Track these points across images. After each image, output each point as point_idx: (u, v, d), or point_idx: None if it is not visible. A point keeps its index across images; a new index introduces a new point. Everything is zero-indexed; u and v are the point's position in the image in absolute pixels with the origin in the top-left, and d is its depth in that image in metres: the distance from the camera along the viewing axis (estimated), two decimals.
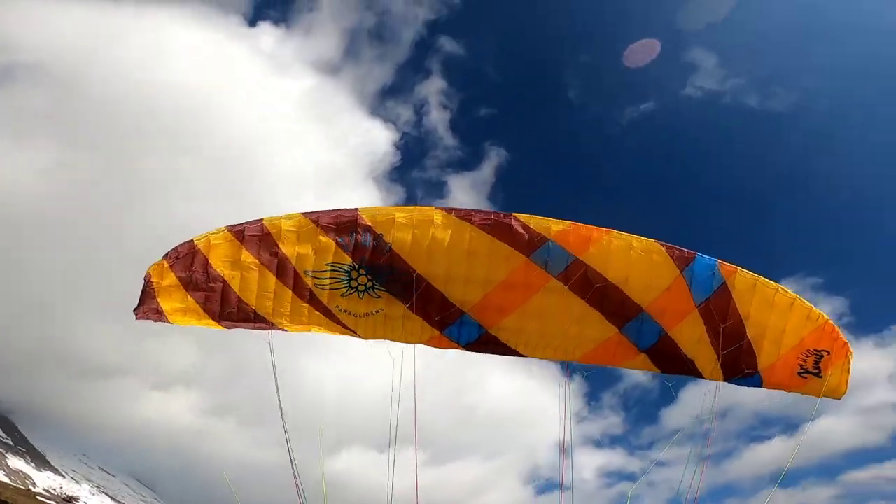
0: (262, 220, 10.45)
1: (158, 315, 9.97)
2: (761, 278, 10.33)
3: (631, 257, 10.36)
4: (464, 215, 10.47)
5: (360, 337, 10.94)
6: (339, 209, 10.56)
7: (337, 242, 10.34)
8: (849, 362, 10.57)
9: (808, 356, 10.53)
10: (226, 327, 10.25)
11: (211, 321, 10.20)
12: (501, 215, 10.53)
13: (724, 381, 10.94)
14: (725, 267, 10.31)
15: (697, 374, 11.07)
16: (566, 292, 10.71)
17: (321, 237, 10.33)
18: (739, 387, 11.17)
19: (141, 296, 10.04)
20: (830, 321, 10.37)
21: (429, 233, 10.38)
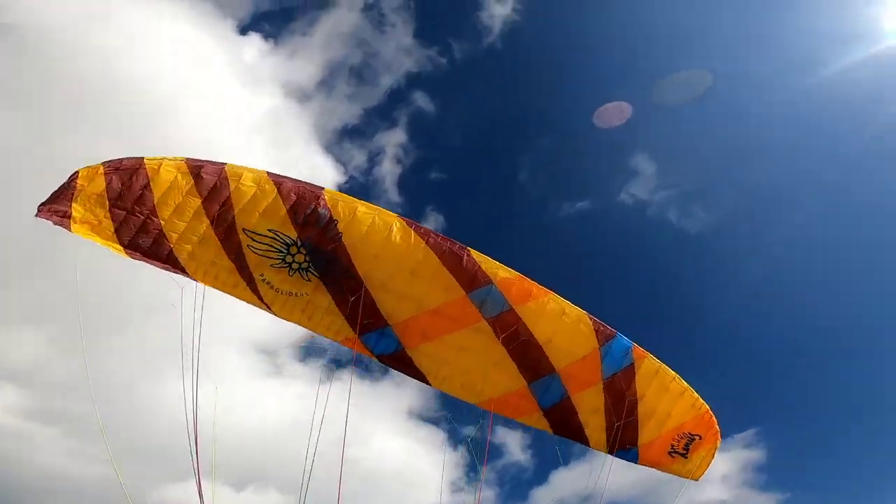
0: (225, 164, 9.67)
1: (62, 218, 8.80)
2: (664, 366, 11.35)
3: (561, 322, 10.89)
4: (422, 233, 10.40)
5: (272, 313, 10.35)
6: (305, 182, 10.02)
7: (289, 212, 9.76)
8: (715, 449, 11.83)
9: (681, 438, 11.65)
10: (130, 256, 9.23)
11: (117, 245, 9.15)
12: (457, 246, 10.59)
13: (606, 452, 11.74)
14: (638, 350, 11.19)
15: (584, 441, 11.77)
16: (491, 337, 10.95)
17: (276, 201, 9.71)
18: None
19: (56, 192, 8.87)
20: (710, 412, 11.61)
21: (382, 237, 10.18)
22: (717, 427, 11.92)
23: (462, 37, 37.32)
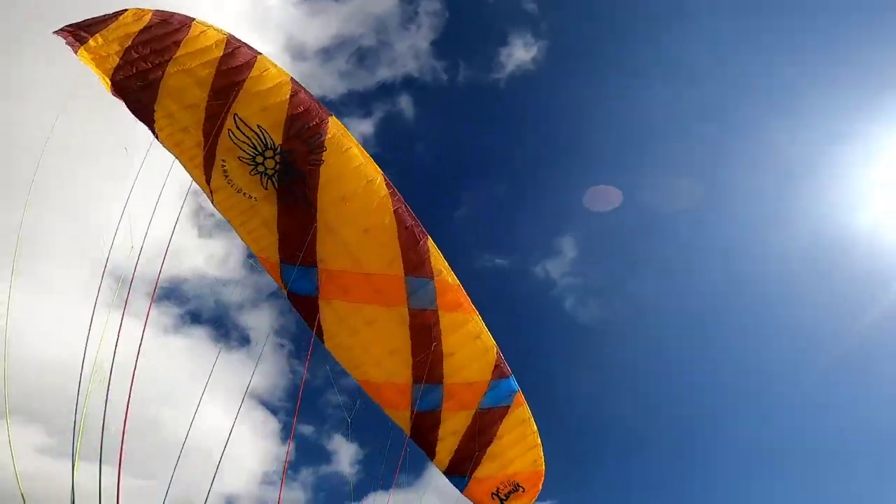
0: (259, 55, 9.53)
1: (75, 41, 8.73)
2: (532, 419, 12.11)
3: (472, 343, 11.19)
4: (395, 199, 10.29)
5: (211, 200, 9.82)
6: (320, 104, 9.77)
7: (288, 118, 9.45)
8: (531, 500, 12.76)
9: (509, 485, 12.44)
10: (112, 92, 9.01)
11: (105, 77, 8.94)
12: (420, 228, 10.51)
13: (443, 471, 12.16)
14: (519, 397, 11.84)
15: (430, 455, 12.09)
16: (404, 326, 10.93)
17: (282, 105, 9.49)
18: None
19: (91, 20, 8.92)
20: (544, 473, 12.54)
21: (359, 184, 9.98)
22: (540, 487, 12.93)
23: (473, 63, 37.33)
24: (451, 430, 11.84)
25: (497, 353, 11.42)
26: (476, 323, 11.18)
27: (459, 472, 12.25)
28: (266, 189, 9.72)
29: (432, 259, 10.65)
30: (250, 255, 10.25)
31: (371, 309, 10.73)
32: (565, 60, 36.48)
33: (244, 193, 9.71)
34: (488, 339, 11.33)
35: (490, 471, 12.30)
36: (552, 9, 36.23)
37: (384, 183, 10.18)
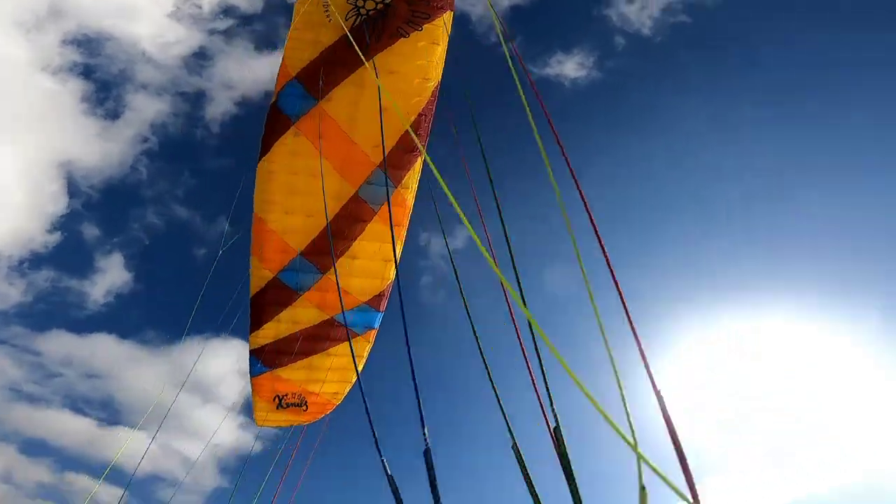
0: None
1: None
2: (364, 359, 12.03)
3: (378, 264, 11.17)
4: (428, 109, 10.35)
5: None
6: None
7: None
8: (301, 422, 12.37)
9: (297, 398, 11.99)
10: None
11: None
12: (424, 143, 10.54)
13: (250, 349, 11.49)
14: (372, 334, 11.82)
15: (254, 327, 11.37)
16: (338, 203, 10.73)
17: None
18: None
19: None
20: (335, 406, 12.35)
21: (415, 75, 10.08)
22: (320, 417, 12.56)
23: (527, 47, 33.51)
24: (295, 319, 11.39)
25: (389, 286, 11.49)
26: (390, 248, 11.20)
27: (265, 361, 11.68)
28: (346, 20, 9.59)
29: (410, 172, 10.64)
30: None
31: (327, 167, 10.26)
32: (600, 100, 34.41)
33: (326, 7, 9.58)
34: (392, 270, 11.36)
35: (294, 377, 11.95)
36: (628, 53, 34.05)
37: (434, 90, 10.22)
